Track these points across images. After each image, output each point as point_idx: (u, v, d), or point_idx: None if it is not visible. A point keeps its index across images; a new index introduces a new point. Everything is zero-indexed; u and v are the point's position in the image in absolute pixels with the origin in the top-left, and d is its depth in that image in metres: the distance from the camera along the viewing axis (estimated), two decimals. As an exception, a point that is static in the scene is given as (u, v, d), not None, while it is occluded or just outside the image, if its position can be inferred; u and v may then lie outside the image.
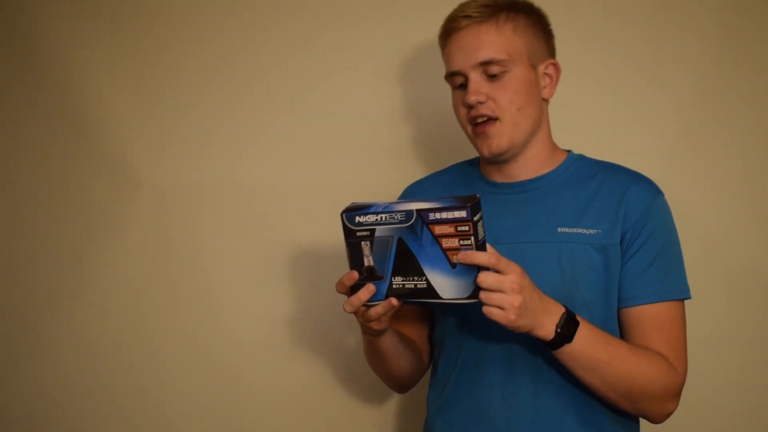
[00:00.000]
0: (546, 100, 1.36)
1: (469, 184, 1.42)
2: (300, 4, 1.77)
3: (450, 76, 1.34)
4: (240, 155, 1.79)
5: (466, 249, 1.13)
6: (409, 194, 1.48)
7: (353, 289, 1.20)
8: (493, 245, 1.24)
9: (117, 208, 1.80)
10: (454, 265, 1.14)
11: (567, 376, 1.27)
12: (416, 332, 1.47)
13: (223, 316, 1.79)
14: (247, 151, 1.79)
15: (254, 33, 1.78)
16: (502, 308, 1.14)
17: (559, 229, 1.30)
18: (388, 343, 1.34)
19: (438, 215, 1.13)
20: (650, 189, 1.32)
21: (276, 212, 1.78)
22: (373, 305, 1.20)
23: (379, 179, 1.74)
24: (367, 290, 1.19)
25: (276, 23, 1.78)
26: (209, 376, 1.78)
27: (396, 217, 1.14)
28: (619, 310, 1.31)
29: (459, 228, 1.12)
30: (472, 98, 1.30)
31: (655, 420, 1.30)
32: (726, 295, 1.69)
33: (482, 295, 1.14)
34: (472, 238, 1.12)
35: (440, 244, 1.14)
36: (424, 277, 1.16)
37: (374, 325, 1.25)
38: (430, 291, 1.16)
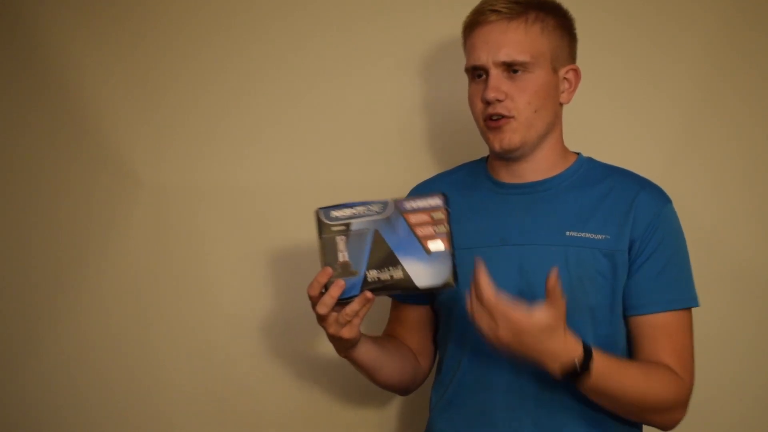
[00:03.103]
0: (562, 105, 1.36)
1: (476, 184, 1.41)
2: (304, 1, 1.77)
3: (471, 69, 1.33)
4: (242, 154, 1.79)
5: (442, 235, 1.18)
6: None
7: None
8: (500, 246, 1.25)
9: (117, 208, 1.79)
10: (429, 252, 1.19)
11: None
12: (416, 336, 1.46)
13: (224, 316, 1.78)
14: (250, 151, 1.79)
15: (258, 31, 1.78)
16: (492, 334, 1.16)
17: (567, 233, 1.30)
18: (365, 356, 1.33)
19: (413, 204, 1.19)
20: (660, 197, 1.33)
21: (279, 212, 1.77)
22: (347, 302, 1.20)
23: (385, 179, 1.74)
24: (337, 286, 1.18)
25: (280, 21, 1.77)
26: (210, 375, 1.78)
27: (372, 209, 1.19)
28: (628, 317, 1.31)
29: (433, 215, 1.19)
30: (491, 95, 1.28)
31: (663, 429, 1.31)
32: (726, 295, 1.68)
33: (473, 312, 1.17)
34: (448, 224, 1.19)
35: (415, 233, 1.19)
36: (399, 266, 1.19)
37: (346, 333, 1.22)
38: (406, 280, 1.19)
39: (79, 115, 1.80)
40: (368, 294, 1.20)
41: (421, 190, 1.46)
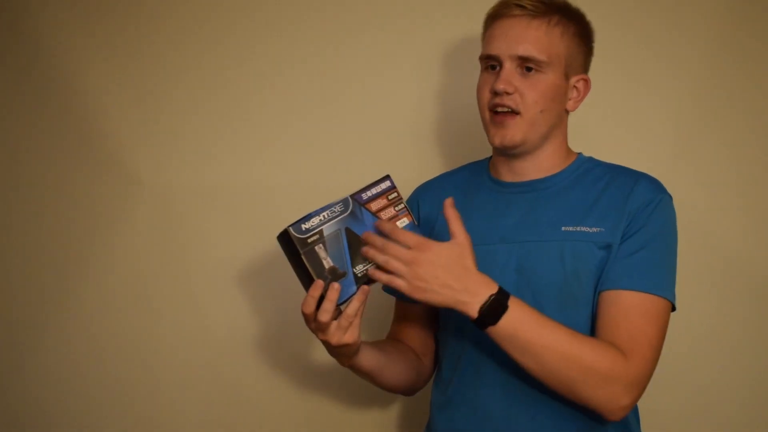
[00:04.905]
0: (567, 112, 1.37)
1: (478, 184, 1.43)
2: (311, 4, 1.79)
3: (485, 58, 1.34)
4: (245, 156, 1.80)
5: (403, 212, 1.26)
6: (418, 194, 1.49)
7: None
8: (499, 244, 1.25)
9: (121, 209, 1.80)
10: None
11: None
12: (419, 334, 1.48)
13: (227, 317, 1.79)
14: (252, 152, 1.80)
15: (262, 33, 1.79)
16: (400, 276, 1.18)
17: (562, 228, 1.31)
18: (367, 362, 1.33)
19: (369, 192, 1.26)
20: (656, 187, 1.32)
21: (282, 213, 1.73)
22: (348, 302, 1.21)
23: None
24: (333, 289, 1.19)
25: (286, 23, 1.79)
26: (214, 375, 1.79)
27: (336, 209, 1.23)
28: (598, 293, 1.28)
29: (389, 197, 1.27)
30: (500, 86, 1.29)
31: (608, 415, 1.22)
32: (721, 297, 1.70)
33: (368, 251, 1.20)
34: (403, 203, 1.27)
35: (381, 217, 1.25)
36: None
37: (349, 337, 1.22)
38: None
39: (83, 117, 1.80)
40: (365, 287, 1.22)
41: (423, 189, 1.49)
